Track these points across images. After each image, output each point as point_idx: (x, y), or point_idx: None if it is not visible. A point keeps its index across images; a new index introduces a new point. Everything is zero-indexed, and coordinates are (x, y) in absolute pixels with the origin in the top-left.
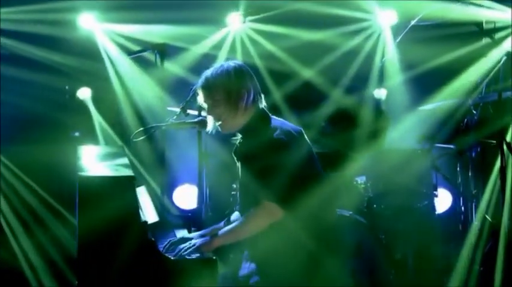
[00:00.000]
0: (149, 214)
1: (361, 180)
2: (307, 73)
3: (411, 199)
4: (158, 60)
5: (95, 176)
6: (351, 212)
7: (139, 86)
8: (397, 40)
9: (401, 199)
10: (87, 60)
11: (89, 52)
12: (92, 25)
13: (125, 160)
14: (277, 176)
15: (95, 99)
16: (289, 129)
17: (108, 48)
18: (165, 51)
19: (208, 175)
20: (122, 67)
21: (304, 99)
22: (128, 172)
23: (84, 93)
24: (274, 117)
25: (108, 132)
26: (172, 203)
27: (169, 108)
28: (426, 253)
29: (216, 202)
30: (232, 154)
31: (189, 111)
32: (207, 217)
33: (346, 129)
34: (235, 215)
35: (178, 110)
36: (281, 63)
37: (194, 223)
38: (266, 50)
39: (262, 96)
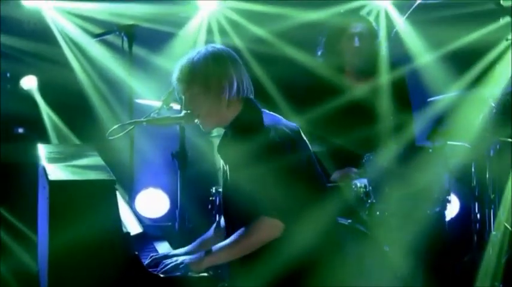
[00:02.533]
0: (130, 223)
1: (361, 183)
2: (306, 59)
3: (421, 205)
4: (126, 44)
5: (69, 181)
6: (349, 221)
7: (107, 73)
8: (405, 16)
9: (410, 205)
10: (34, 44)
11: (37, 34)
12: (38, 3)
13: (98, 160)
14: (274, 185)
15: (43, 89)
16: (285, 129)
17: (64, 30)
18: (133, 33)
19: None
20: (82, 51)
21: (304, 90)
22: (108, 175)
23: (29, 82)
24: (266, 111)
25: (60, 128)
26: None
27: (137, 101)
28: (438, 267)
29: (191, 209)
30: (217, 152)
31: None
32: (181, 227)
33: (361, 124)
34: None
35: (148, 102)
36: (271, 47)
37: (168, 235)
38: (252, 34)
39: (251, 86)
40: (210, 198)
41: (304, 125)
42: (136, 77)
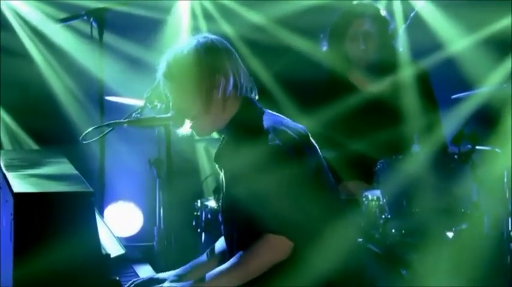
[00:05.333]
0: (109, 244)
1: (373, 195)
2: (313, 50)
3: (444, 221)
4: (95, 31)
5: (39, 193)
6: (360, 239)
7: (73, 65)
8: None
9: (431, 222)
10: None
11: None
12: None
13: (70, 168)
14: (277, 197)
15: None
16: (287, 132)
17: (20, 14)
18: (104, 18)
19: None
20: (44, 39)
21: (314, 86)
22: (84, 187)
23: None
24: (268, 111)
25: (15, 131)
26: None
27: (108, 98)
28: None
29: (172, 226)
30: (214, 161)
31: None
32: (162, 247)
33: (383, 126)
34: (221, 243)
35: (120, 100)
36: (270, 36)
37: (147, 256)
38: (246, 20)
39: (253, 83)
40: (195, 213)
41: (314, 127)
42: (107, 69)
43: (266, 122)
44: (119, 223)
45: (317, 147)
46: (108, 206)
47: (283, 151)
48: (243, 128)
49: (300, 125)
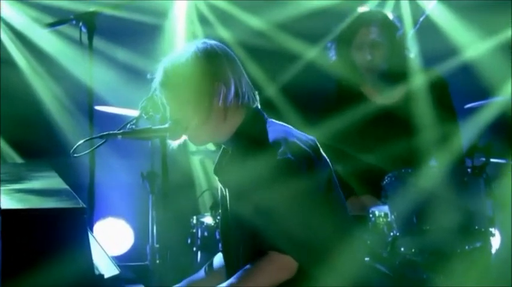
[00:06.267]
0: (102, 263)
1: (380, 211)
2: (318, 57)
3: (457, 239)
4: (84, 36)
5: (27, 210)
6: (367, 259)
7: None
8: None
9: (442, 240)
10: None
11: None
12: None
13: (59, 182)
14: (286, 214)
15: None
16: (298, 143)
17: (4, 18)
18: (94, 23)
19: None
20: (30, 45)
21: (321, 95)
22: (75, 202)
23: None
24: (274, 122)
25: None
26: None
27: (98, 108)
28: None
29: (166, 244)
30: (214, 174)
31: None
32: (155, 267)
33: (395, 137)
34: (219, 258)
35: (111, 110)
36: (272, 42)
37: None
38: (246, 25)
39: (255, 93)
40: (190, 230)
41: (323, 140)
42: (97, 77)
43: (276, 134)
44: (108, 241)
45: (328, 160)
46: (97, 222)
47: (295, 165)
48: (250, 140)
49: (310, 137)
